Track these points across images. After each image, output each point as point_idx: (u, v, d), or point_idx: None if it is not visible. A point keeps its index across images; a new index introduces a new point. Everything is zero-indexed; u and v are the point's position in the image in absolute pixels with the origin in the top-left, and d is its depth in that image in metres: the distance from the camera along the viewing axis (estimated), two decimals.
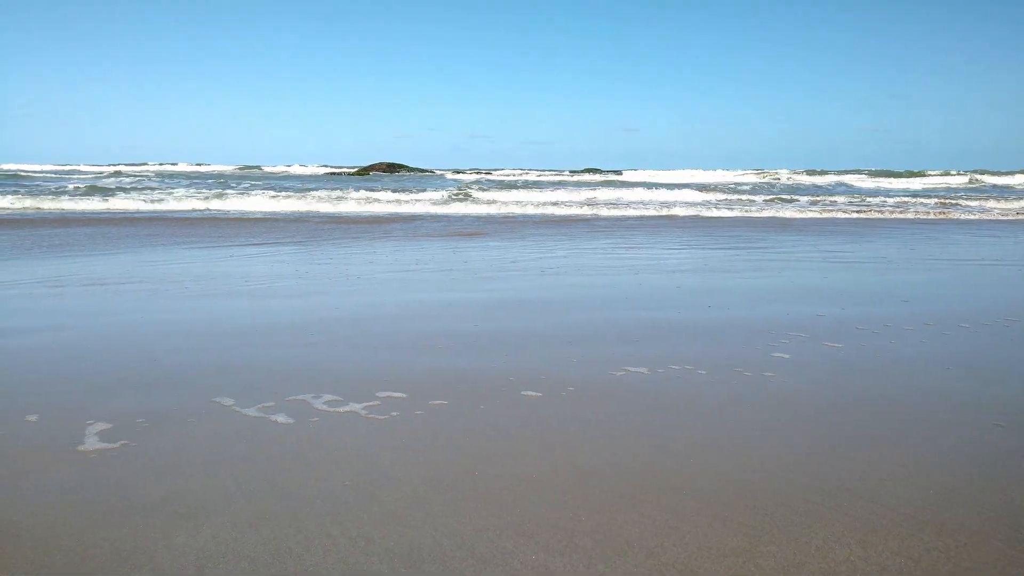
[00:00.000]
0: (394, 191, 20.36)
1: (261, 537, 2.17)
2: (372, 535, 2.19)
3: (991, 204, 20.57)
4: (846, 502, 2.41)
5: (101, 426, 3.03)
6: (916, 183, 39.67)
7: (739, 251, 9.92)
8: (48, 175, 41.04)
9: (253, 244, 10.37)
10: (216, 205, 17.52)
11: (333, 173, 56.85)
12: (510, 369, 3.90)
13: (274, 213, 16.64)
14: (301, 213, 16.88)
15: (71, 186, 23.70)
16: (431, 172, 60.95)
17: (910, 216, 17.48)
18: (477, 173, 60.13)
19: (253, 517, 2.29)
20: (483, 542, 2.15)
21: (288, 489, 2.48)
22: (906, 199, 22.82)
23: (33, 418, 3.14)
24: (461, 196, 21.71)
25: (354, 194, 20.17)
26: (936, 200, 21.83)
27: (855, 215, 17.54)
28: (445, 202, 19.10)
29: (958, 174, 47.59)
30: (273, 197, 18.33)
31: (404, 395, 3.46)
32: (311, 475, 2.59)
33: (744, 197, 23.82)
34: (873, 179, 44.28)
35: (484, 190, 21.91)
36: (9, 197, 17.62)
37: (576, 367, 3.96)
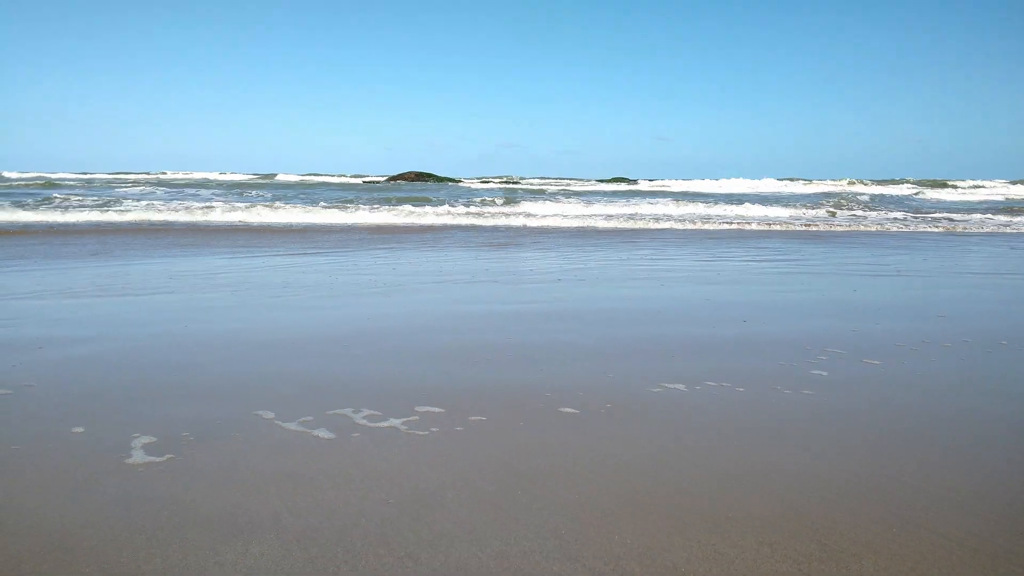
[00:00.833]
0: (416, 204, 20.44)
1: (309, 555, 2.19)
2: (419, 555, 2.20)
3: None
4: (896, 527, 2.37)
5: (147, 439, 3.08)
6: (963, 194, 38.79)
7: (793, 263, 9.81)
8: (76, 182, 41.60)
9: (291, 255, 10.49)
10: (263, 218, 17.43)
11: (368, 182, 57.39)
12: (546, 384, 3.90)
13: (311, 224, 16.80)
14: (336, 225, 17.04)
15: (120, 191, 23.86)
16: (459, 181, 61.20)
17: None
18: (505, 183, 60.17)
19: (300, 535, 2.31)
20: (529, 564, 2.15)
21: (333, 506, 2.50)
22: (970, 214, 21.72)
23: (80, 429, 3.19)
24: (499, 203, 21.87)
25: (386, 206, 20.29)
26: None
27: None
28: (477, 213, 19.17)
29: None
30: (308, 211, 18.45)
31: (442, 410, 3.47)
32: (355, 492, 2.61)
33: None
34: (933, 190, 43.22)
35: (514, 203, 21.92)
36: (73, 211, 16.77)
37: (612, 383, 3.95)
